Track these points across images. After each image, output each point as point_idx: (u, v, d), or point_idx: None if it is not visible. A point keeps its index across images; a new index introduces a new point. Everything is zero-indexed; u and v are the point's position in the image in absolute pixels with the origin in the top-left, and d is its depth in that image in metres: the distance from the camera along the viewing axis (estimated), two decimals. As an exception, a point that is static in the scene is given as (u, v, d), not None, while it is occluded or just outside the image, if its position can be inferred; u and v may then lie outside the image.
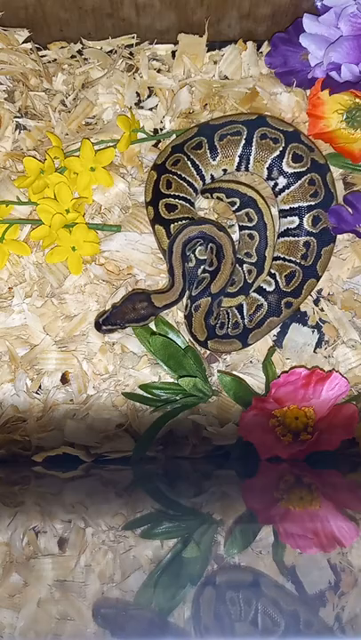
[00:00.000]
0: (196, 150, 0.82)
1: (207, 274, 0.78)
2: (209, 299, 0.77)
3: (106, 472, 0.77)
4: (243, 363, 0.83)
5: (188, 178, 0.82)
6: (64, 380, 0.82)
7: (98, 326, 0.78)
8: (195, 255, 0.81)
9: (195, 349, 0.80)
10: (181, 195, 0.82)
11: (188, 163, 0.82)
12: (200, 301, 0.77)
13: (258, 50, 0.91)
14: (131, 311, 0.78)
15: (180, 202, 0.81)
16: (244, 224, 0.82)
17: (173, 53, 0.92)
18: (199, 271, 0.80)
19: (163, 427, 0.78)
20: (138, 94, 0.91)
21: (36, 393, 0.83)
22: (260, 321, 0.80)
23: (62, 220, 0.80)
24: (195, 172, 0.82)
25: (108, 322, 0.78)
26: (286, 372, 0.76)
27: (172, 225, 0.80)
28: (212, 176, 0.84)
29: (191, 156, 0.82)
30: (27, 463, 0.79)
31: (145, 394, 0.79)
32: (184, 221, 0.81)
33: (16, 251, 0.83)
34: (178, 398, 0.78)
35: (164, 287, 0.80)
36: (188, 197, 0.82)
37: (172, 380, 0.80)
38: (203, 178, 0.84)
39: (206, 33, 0.89)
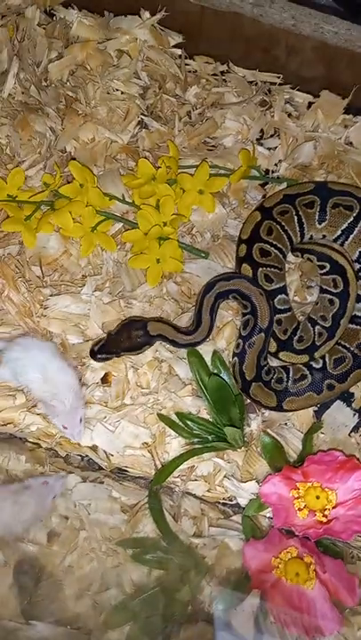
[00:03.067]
0: (306, 208, 0.82)
1: (248, 315, 0.79)
2: (262, 334, 0.78)
3: (119, 485, 0.77)
4: (278, 423, 0.83)
5: (289, 231, 0.82)
6: (105, 380, 0.82)
7: (93, 354, 0.78)
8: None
9: (242, 398, 0.80)
10: (278, 245, 0.82)
11: (295, 218, 0.82)
12: (254, 338, 0.78)
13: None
14: (126, 339, 0.78)
15: (275, 250, 0.82)
16: (328, 288, 0.82)
17: (309, 104, 0.92)
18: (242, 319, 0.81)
19: (187, 460, 0.78)
20: (262, 131, 0.92)
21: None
22: (300, 389, 0.80)
23: (159, 231, 0.80)
24: (297, 228, 0.83)
25: (103, 350, 0.77)
26: (324, 451, 0.76)
27: (260, 269, 0.81)
28: (311, 236, 0.85)
29: (300, 212, 0.82)
30: (48, 452, 0.79)
31: (179, 421, 0.79)
32: (272, 269, 0.81)
33: (103, 244, 0.83)
34: (210, 438, 0.78)
35: (189, 327, 0.81)
36: (283, 249, 0.83)
37: (207, 417, 0.80)
38: (303, 236, 0.84)
39: (350, 98, 0.89)
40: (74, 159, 0.85)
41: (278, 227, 0.82)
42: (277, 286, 0.81)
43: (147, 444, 0.80)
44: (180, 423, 0.79)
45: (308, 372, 0.81)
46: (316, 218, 0.83)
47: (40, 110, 0.86)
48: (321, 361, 0.81)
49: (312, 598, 0.72)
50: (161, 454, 0.80)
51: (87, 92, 0.86)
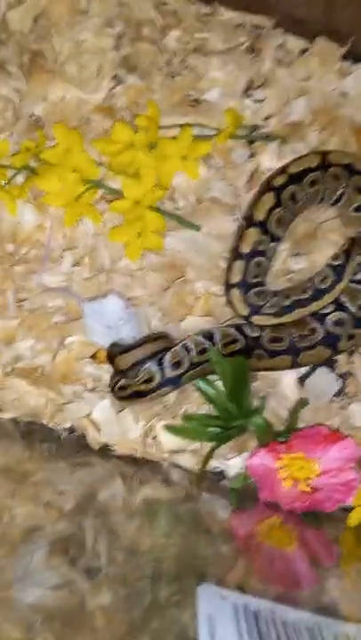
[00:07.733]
0: (310, 187, 0.78)
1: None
2: None
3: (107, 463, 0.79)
4: (261, 393, 0.83)
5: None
6: (95, 356, 0.79)
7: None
8: None
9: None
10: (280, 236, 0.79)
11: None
12: None
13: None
14: None
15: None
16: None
17: (303, 51, 0.83)
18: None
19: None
20: (250, 81, 0.83)
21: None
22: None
23: (153, 197, 0.75)
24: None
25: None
26: (310, 426, 0.78)
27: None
28: None
29: (307, 193, 0.78)
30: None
31: (187, 424, 0.76)
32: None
33: (88, 214, 0.77)
34: (228, 433, 0.75)
35: None
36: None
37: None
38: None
39: (349, 43, 0.81)
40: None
41: (287, 215, 0.78)
42: None
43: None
44: (189, 425, 0.76)
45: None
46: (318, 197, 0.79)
47: (1, 68, 0.77)
48: (259, 331, 0.78)
49: (292, 559, 0.77)
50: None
51: (53, 45, 0.77)
